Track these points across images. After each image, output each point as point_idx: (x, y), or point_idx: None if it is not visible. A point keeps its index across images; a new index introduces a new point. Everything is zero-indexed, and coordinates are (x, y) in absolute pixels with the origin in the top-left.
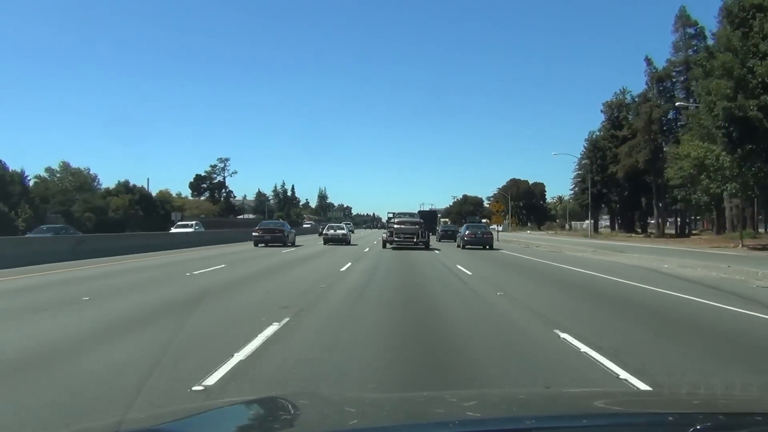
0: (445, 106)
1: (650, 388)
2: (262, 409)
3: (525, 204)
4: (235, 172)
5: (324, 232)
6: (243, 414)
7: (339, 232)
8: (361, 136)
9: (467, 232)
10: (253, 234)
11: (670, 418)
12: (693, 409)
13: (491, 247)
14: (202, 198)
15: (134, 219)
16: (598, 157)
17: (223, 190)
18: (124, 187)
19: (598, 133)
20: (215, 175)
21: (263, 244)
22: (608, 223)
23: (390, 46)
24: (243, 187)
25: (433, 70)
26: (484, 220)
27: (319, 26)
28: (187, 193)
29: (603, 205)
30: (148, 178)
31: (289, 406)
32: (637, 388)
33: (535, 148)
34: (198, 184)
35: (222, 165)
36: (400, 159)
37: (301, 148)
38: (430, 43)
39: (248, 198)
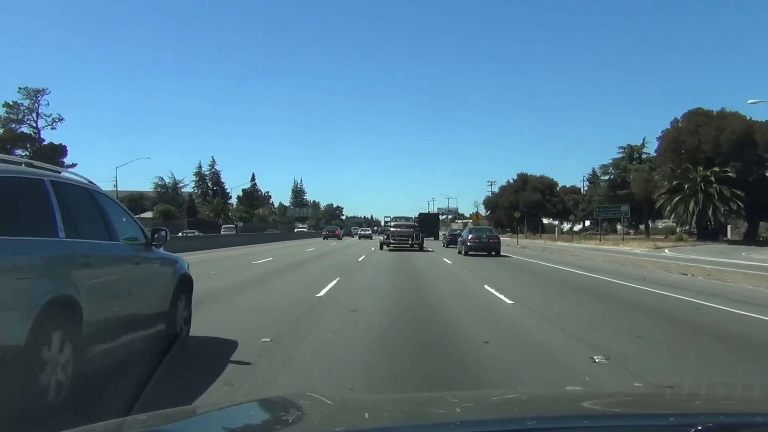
0: (447, 85)
1: (510, 301)
2: (263, 410)
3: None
4: (61, 119)
5: (359, 233)
6: (244, 415)
7: (367, 233)
8: (356, 129)
9: (470, 236)
10: (323, 232)
11: (672, 419)
12: (694, 409)
13: (498, 253)
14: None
15: None
16: None
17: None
18: None
19: None
20: (14, 124)
21: (326, 239)
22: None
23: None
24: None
25: (448, 46)
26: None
27: (315, 19)
28: None
29: None
30: None
31: (291, 407)
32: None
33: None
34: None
35: (30, 101)
36: (400, 153)
37: (273, 129)
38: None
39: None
